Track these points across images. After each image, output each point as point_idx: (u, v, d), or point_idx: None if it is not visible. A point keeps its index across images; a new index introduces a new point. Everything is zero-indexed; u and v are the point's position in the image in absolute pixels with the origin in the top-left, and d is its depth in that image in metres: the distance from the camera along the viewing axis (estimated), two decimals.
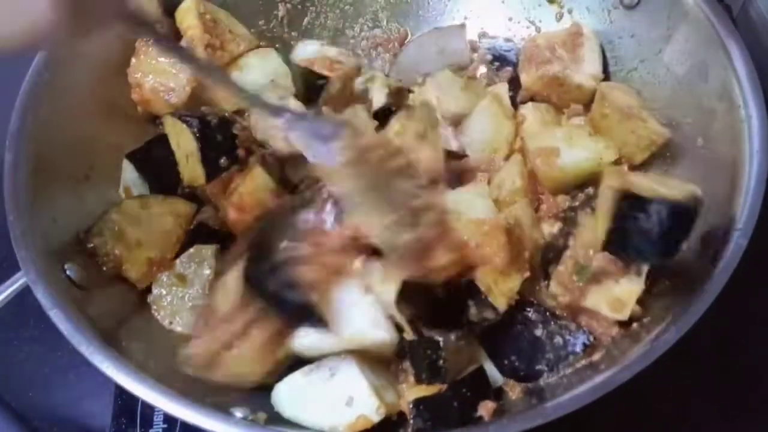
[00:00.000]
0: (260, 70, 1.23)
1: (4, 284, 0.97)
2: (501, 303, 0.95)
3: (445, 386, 0.93)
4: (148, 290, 1.08)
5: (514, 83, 1.29)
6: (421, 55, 1.34)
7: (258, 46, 1.28)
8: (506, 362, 0.99)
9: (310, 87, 1.23)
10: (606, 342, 0.97)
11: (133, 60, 1.20)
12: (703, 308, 0.87)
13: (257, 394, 0.97)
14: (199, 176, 1.11)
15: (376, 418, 0.91)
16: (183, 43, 1.20)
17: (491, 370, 0.99)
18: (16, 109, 1.06)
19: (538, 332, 0.99)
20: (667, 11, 1.16)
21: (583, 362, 0.97)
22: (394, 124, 1.05)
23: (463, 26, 1.35)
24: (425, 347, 0.94)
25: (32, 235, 0.98)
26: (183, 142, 1.12)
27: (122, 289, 1.07)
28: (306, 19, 1.39)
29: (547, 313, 1.00)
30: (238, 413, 0.90)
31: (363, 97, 1.23)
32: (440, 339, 0.93)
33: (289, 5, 1.38)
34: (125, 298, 1.06)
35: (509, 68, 1.32)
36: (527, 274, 0.99)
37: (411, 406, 0.92)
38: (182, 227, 1.11)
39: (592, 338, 0.98)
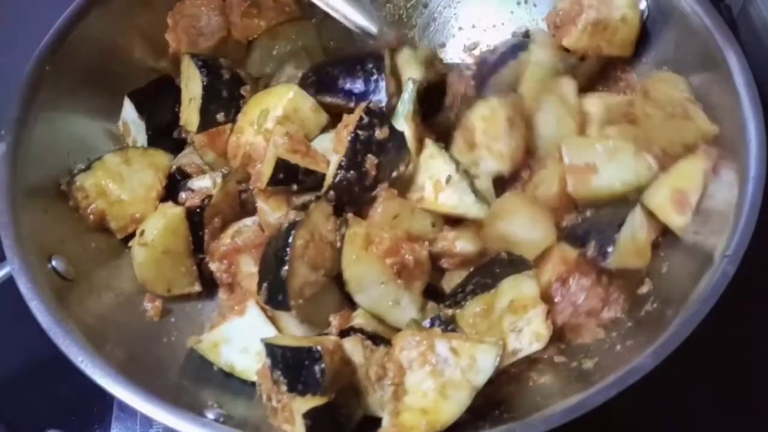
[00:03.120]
0: (294, 42, 1.23)
1: None
2: None
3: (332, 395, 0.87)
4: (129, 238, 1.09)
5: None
6: None
7: (298, 18, 1.26)
8: None
9: None
10: None
11: (178, 3, 1.22)
12: (702, 313, 0.86)
13: (232, 396, 0.96)
14: (193, 123, 1.12)
15: None
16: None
17: None
18: (12, 100, 1.06)
19: None
20: (664, 18, 1.13)
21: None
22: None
23: None
24: (303, 357, 0.87)
25: (20, 225, 0.98)
26: (191, 85, 1.15)
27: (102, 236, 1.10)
28: None
29: None
30: (210, 414, 0.89)
31: None
32: (318, 348, 0.86)
33: None
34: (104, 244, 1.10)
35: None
36: None
37: (304, 419, 0.85)
38: (161, 182, 1.12)
39: None
